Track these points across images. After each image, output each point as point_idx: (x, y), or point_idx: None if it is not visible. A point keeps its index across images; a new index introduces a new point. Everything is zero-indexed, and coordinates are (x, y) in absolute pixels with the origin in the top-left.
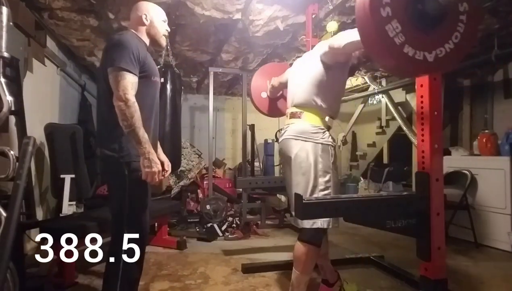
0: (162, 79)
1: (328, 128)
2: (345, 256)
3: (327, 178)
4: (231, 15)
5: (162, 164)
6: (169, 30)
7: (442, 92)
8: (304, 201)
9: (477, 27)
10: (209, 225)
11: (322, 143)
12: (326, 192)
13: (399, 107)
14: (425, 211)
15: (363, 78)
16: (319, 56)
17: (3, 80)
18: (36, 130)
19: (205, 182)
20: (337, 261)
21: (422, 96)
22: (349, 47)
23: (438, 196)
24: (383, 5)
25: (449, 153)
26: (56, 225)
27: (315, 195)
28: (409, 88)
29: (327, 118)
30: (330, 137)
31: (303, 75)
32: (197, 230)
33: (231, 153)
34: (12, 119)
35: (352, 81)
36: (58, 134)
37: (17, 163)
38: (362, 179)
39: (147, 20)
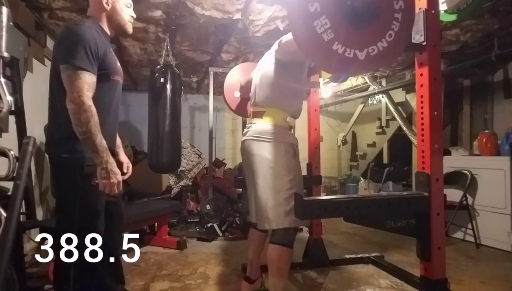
0: (162, 79)
1: (290, 127)
2: (345, 256)
3: (291, 176)
4: (231, 15)
5: (121, 165)
6: (134, 16)
7: (442, 92)
8: (304, 201)
9: (412, 26)
10: (209, 225)
11: (283, 143)
12: (292, 190)
13: (399, 107)
14: (425, 211)
15: (363, 78)
16: (274, 54)
17: (3, 80)
18: (36, 130)
19: (205, 182)
20: (337, 261)
21: (422, 96)
22: (291, 44)
23: (438, 196)
24: (311, 1)
25: (449, 153)
26: None
27: (282, 194)
28: (409, 88)
29: (288, 118)
30: (292, 136)
31: (263, 74)
32: (197, 230)
33: (231, 153)
34: (12, 119)
35: (352, 81)
36: None
37: (17, 163)
38: (362, 179)
39: (108, 4)
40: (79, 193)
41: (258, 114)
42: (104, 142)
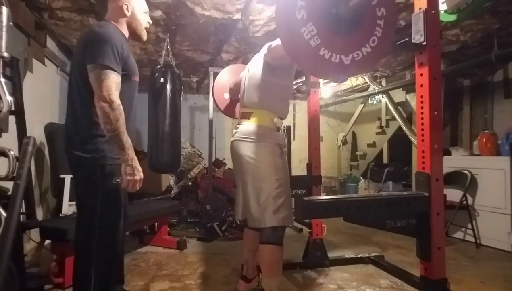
0: (162, 79)
1: (277, 128)
2: (345, 256)
3: (278, 176)
4: (231, 15)
5: None
6: (150, 22)
7: (442, 92)
8: (304, 201)
9: (393, 31)
10: (209, 225)
11: (270, 143)
12: (279, 190)
13: (399, 107)
14: (425, 211)
15: (363, 78)
16: (263, 57)
17: (3, 80)
18: (36, 130)
19: (205, 182)
20: (337, 261)
21: (422, 96)
22: (280, 49)
23: (438, 196)
24: (298, 8)
25: (449, 153)
26: (56, 225)
27: (269, 194)
28: (409, 88)
29: (275, 119)
30: (278, 137)
31: (251, 76)
32: (197, 230)
33: None
34: (12, 119)
35: (352, 81)
36: (58, 134)
37: (17, 163)
38: (362, 179)
39: (128, 11)
40: (101, 193)
41: (245, 116)
42: (129, 140)
